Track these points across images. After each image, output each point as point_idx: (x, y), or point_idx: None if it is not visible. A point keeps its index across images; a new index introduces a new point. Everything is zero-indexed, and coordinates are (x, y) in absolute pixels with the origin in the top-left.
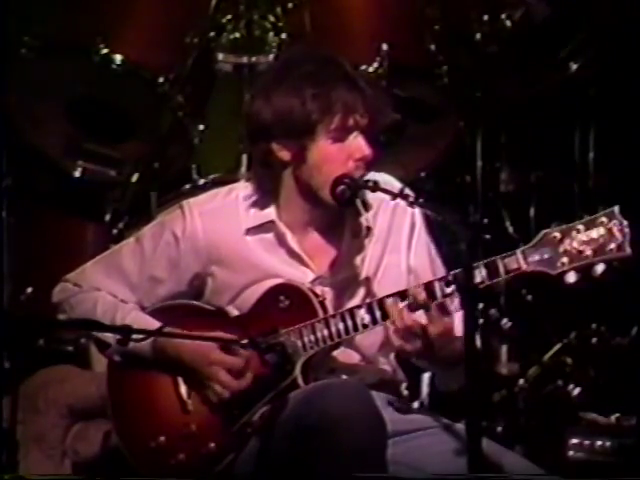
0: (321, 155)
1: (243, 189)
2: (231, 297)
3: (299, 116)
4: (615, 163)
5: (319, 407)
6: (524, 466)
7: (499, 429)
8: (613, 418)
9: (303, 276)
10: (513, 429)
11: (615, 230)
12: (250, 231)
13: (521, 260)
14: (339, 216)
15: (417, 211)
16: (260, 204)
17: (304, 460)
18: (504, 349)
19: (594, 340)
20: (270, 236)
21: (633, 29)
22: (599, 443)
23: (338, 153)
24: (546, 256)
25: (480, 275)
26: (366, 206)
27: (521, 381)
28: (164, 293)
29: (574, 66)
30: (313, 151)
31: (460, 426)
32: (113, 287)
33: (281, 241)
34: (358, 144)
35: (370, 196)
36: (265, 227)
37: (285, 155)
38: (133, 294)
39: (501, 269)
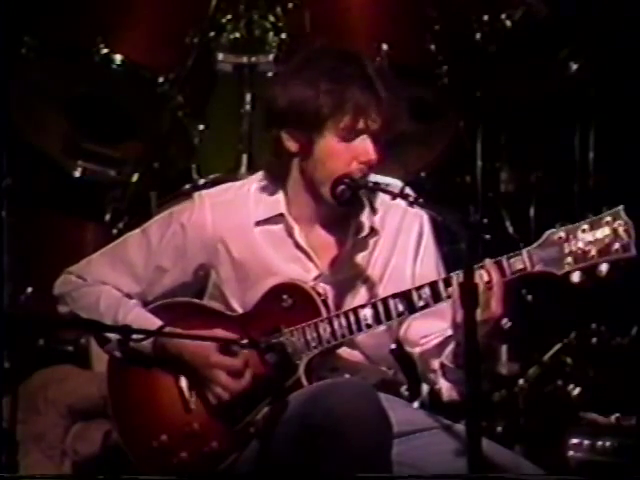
0: (327, 151)
1: (256, 182)
2: (233, 291)
3: (310, 108)
4: (615, 163)
5: (325, 406)
6: (524, 466)
7: (499, 429)
8: (613, 418)
9: (307, 273)
10: (513, 429)
11: (620, 230)
12: (259, 223)
13: (527, 260)
14: (344, 214)
15: (426, 219)
16: (270, 197)
17: (308, 459)
18: (504, 349)
19: (594, 340)
20: (278, 229)
21: (632, 29)
22: (599, 443)
23: (344, 152)
24: (551, 256)
25: (486, 275)
26: (373, 207)
27: (521, 381)
28: (169, 283)
29: (574, 66)
30: (320, 145)
31: (460, 426)
32: (118, 279)
33: (289, 235)
34: (365, 147)
35: (379, 198)
36: (274, 220)
37: (292, 146)
38: (138, 285)
39: (507, 269)
